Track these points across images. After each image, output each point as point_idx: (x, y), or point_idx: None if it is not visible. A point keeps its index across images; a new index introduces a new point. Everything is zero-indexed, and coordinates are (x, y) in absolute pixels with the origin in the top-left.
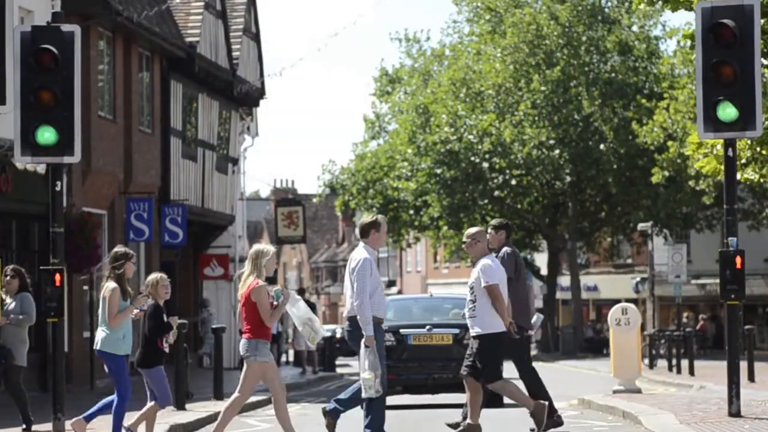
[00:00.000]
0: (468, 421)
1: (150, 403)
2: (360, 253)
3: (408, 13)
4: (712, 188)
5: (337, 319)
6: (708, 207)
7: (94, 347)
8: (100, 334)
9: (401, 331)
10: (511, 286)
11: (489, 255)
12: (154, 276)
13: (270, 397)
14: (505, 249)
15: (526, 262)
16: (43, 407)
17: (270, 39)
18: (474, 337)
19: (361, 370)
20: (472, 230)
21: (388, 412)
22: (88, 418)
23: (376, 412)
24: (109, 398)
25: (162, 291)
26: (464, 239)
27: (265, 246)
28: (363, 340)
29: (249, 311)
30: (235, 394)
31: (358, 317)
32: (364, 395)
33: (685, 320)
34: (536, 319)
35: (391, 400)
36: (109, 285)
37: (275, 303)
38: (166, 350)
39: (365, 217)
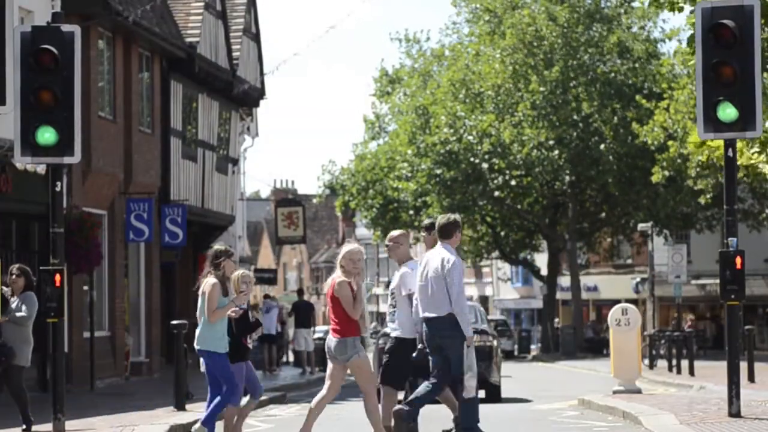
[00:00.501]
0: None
1: (245, 399)
2: (447, 253)
3: (408, 13)
4: (710, 188)
5: None
6: (708, 207)
7: (195, 345)
8: (200, 332)
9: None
10: None
11: (410, 261)
12: (237, 273)
13: (270, 398)
14: None
15: (527, 263)
16: (43, 407)
17: (270, 39)
18: (393, 338)
19: (465, 370)
20: (395, 233)
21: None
22: (207, 422)
23: (474, 411)
24: (217, 400)
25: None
26: (386, 242)
27: (346, 245)
28: (465, 341)
29: (336, 308)
30: (365, 397)
31: (459, 318)
32: (466, 396)
33: (674, 321)
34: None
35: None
36: (209, 280)
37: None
38: (250, 347)
39: (442, 217)
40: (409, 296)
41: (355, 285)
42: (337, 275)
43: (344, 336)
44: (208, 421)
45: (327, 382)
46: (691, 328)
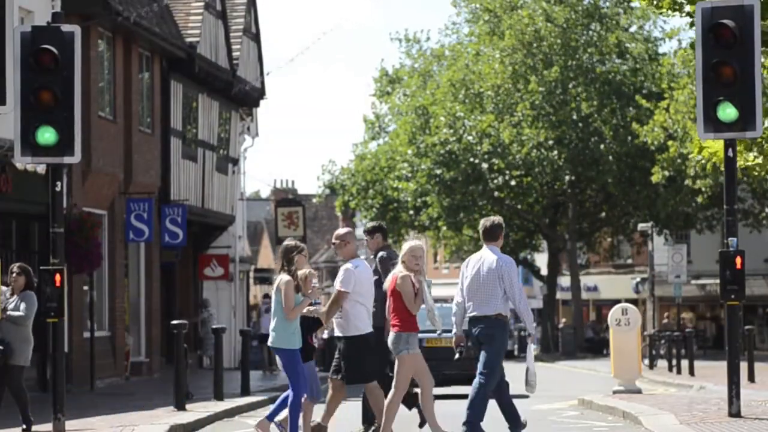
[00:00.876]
0: (319, 420)
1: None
2: (499, 254)
3: (408, 14)
4: (708, 189)
5: None
6: (708, 207)
7: (269, 344)
8: (275, 329)
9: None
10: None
11: (355, 259)
12: (303, 271)
13: (270, 397)
14: (381, 253)
15: (527, 263)
16: (43, 407)
17: (270, 39)
18: (338, 339)
19: (528, 365)
20: (342, 231)
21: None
22: (271, 417)
23: (482, 408)
24: (287, 393)
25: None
26: (333, 240)
27: (410, 242)
28: (528, 339)
29: (396, 303)
30: (392, 391)
31: (524, 317)
32: (531, 390)
33: (665, 320)
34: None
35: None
36: (283, 277)
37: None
38: (316, 346)
39: (486, 220)
40: (337, 292)
41: (416, 281)
42: (399, 270)
43: (401, 330)
44: (292, 420)
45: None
46: (685, 326)
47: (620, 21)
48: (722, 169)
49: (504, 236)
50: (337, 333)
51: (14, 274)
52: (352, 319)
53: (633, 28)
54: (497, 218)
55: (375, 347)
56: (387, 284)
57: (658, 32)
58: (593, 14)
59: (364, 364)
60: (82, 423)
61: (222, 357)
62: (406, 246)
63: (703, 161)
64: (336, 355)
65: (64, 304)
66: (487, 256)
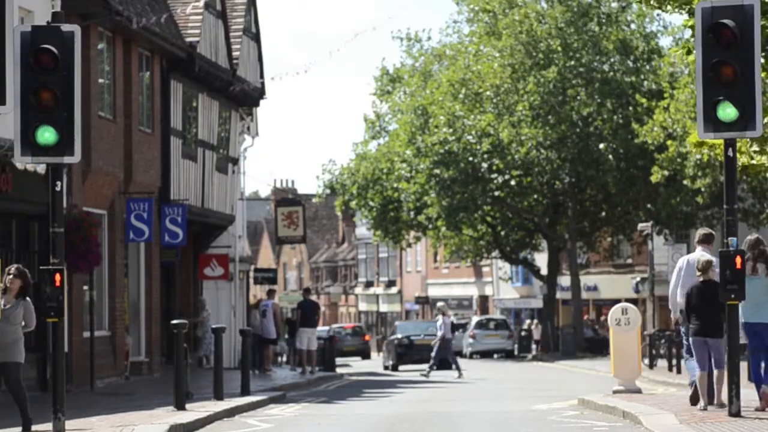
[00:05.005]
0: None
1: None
2: (709, 255)
3: (409, 14)
4: (707, 188)
5: (337, 319)
6: (708, 206)
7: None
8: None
9: (411, 337)
10: None
11: None
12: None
13: (269, 397)
14: None
15: (526, 263)
16: (43, 407)
17: (270, 39)
18: None
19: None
20: None
21: (412, 371)
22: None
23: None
24: None
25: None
26: None
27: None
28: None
29: None
30: None
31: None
32: None
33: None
34: None
35: (410, 367)
36: None
37: None
38: None
39: (703, 229)
40: None
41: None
42: None
43: None
44: None
45: None
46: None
47: (619, 18)
48: (722, 164)
49: (506, 236)
50: None
51: (11, 276)
52: None
53: (632, 26)
54: (710, 230)
55: None
56: None
57: (656, 27)
58: (588, 13)
59: None
60: (82, 423)
61: (222, 357)
62: None
63: (699, 155)
64: None
65: (63, 304)
66: (701, 257)
